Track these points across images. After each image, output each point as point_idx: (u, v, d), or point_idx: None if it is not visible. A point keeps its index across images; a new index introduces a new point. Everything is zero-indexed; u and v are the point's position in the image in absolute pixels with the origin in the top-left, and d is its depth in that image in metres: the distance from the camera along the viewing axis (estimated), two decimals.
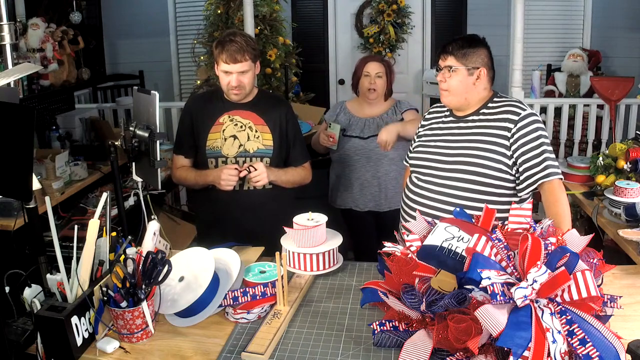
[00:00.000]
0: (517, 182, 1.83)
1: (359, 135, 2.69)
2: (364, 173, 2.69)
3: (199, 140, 2.18)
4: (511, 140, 1.81)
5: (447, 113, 1.99)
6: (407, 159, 2.09)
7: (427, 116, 2.08)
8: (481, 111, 1.89)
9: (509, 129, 1.81)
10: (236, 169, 2.07)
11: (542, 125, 1.83)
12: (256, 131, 2.17)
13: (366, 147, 2.67)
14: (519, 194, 1.83)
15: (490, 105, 1.89)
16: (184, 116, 2.26)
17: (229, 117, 2.17)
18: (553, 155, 1.80)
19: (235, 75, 2.06)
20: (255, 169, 2.07)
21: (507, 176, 1.83)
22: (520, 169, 1.80)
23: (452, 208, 1.77)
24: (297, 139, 2.27)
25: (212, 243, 1.79)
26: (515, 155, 1.80)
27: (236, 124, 2.17)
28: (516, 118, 1.81)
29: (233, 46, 2.02)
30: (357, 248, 2.87)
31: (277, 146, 2.19)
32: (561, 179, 1.79)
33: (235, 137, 2.16)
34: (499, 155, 1.81)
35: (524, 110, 1.83)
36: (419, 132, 2.07)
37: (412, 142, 2.09)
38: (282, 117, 2.21)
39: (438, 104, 2.07)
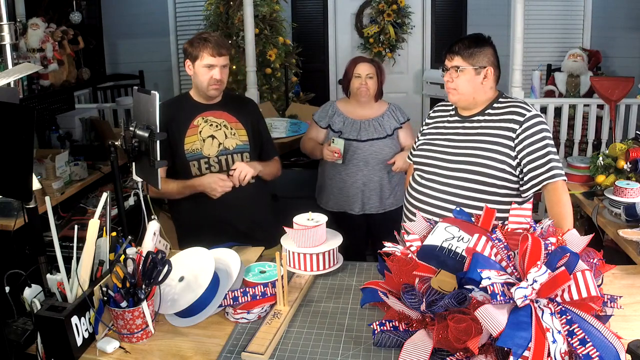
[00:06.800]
0: (520, 182, 1.83)
1: (356, 138, 2.65)
2: (362, 177, 2.65)
3: (176, 147, 2.14)
4: (516, 141, 1.81)
5: (452, 112, 1.99)
6: (411, 156, 2.09)
7: (432, 114, 2.08)
8: (486, 111, 1.89)
9: (513, 130, 1.81)
10: (221, 179, 2.07)
11: (547, 127, 1.83)
12: (231, 129, 2.20)
13: (364, 150, 2.63)
14: (523, 195, 1.83)
15: (495, 105, 1.89)
16: None
17: (203, 118, 2.18)
18: (557, 157, 1.81)
19: (218, 69, 2.09)
20: (234, 169, 2.11)
21: (511, 176, 1.83)
22: (525, 170, 1.80)
23: (454, 207, 1.77)
24: (268, 134, 2.39)
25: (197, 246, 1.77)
26: (519, 156, 1.80)
27: (211, 124, 2.18)
28: (521, 119, 1.81)
29: (217, 40, 2.09)
30: (347, 251, 2.84)
31: (252, 142, 2.24)
32: (565, 180, 1.79)
33: (213, 136, 2.17)
34: (503, 155, 1.81)
35: (529, 111, 1.83)
36: (423, 129, 2.07)
37: (416, 139, 2.09)
38: (252, 115, 2.30)
39: (443, 103, 2.07)
